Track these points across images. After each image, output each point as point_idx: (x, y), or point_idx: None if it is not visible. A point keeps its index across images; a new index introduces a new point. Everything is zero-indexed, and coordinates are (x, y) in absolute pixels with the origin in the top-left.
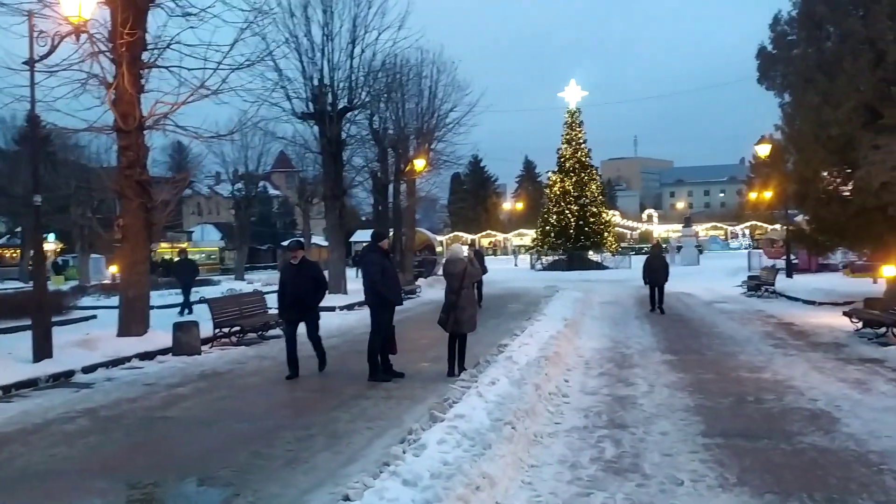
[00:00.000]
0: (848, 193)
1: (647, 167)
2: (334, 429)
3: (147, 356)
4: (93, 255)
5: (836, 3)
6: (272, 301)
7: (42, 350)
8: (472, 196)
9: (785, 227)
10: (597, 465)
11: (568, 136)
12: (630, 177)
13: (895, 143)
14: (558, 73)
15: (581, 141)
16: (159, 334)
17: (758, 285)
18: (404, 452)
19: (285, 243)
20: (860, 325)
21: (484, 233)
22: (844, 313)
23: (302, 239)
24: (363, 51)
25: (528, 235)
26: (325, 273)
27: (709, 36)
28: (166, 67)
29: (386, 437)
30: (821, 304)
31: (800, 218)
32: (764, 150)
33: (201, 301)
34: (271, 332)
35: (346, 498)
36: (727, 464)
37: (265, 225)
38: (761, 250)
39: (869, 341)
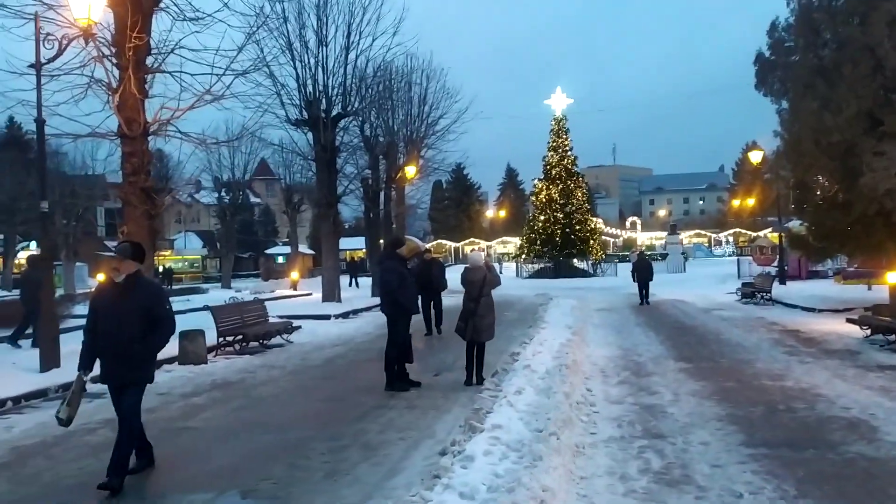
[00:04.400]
0: (848, 200)
1: (625, 175)
2: (366, 440)
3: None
4: (77, 264)
5: (834, 10)
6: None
7: (49, 360)
8: (455, 203)
9: (777, 235)
10: (647, 476)
11: (554, 144)
12: (609, 184)
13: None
14: (541, 82)
15: (567, 148)
16: None
17: (753, 292)
18: (452, 464)
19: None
20: (868, 332)
21: (467, 240)
22: (851, 320)
23: (128, 243)
24: (357, 57)
25: (512, 243)
26: (311, 282)
27: (690, 46)
28: (171, 73)
29: (422, 448)
30: (820, 311)
31: (793, 224)
32: (756, 157)
33: (205, 308)
34: (273, 341)
35: None
36: (781, 475)
37: (247, 233)
38: (751, 257)
39: (881, 348)
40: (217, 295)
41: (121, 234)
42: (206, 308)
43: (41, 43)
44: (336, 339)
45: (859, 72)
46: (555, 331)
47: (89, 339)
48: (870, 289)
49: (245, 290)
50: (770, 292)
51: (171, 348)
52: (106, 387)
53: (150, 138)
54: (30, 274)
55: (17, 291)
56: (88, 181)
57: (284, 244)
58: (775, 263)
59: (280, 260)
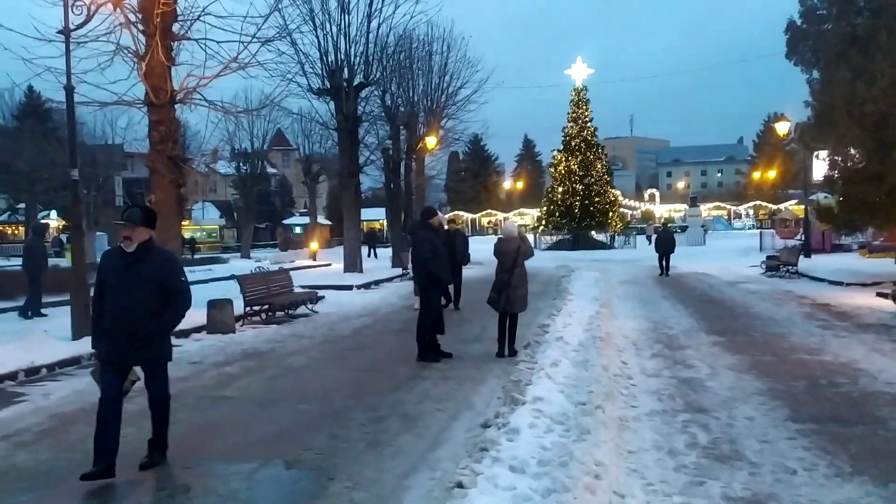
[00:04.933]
0: (880, 172)
1: (642, 146)
2: (404, 410)
3: (182, 334)
4: (98, 233)
5: None
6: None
7: (81, 327)
8: (472, 175)
9: (802, 207)
10: (695, 451)
11: (574, 115)
12: (626, 156)
13: None
14: (560, 52)
15: (587, 119)
16: (191, 312)
17: (778, 265)
18: (498, 437)
19: (288, 221)
20: None
21: (484, 212)
22: (882, 294)
23: (137, 207)
24: (380, 25)
25: (529, 214)
26: (329, 252)
27: (714, 14)
28: (197, 40)
29: (462, 420)
30: (848, 284)
31: (818, 196)
32: (782, 128)
33: (231, 277)
34: (299, 311)
35: (460, 485)
36: (833, 451)
37: (264, 203)
38: (773, 230)
39: None
40: (238, 265)
41: (148, 202)
42: (232, 277)
43: (70, 8)
44: (361, 310)
45: (895, 40)
46: (582, 303)
47: (97, 316)
48: None
49: (265, 259)
50: (796, 265)
51: (200, 317)
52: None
53: (175, 106)
54: (33, 242)
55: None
56: (108, 150)
57: (302, 214)
58: (799, 236)
59: (297, 230)
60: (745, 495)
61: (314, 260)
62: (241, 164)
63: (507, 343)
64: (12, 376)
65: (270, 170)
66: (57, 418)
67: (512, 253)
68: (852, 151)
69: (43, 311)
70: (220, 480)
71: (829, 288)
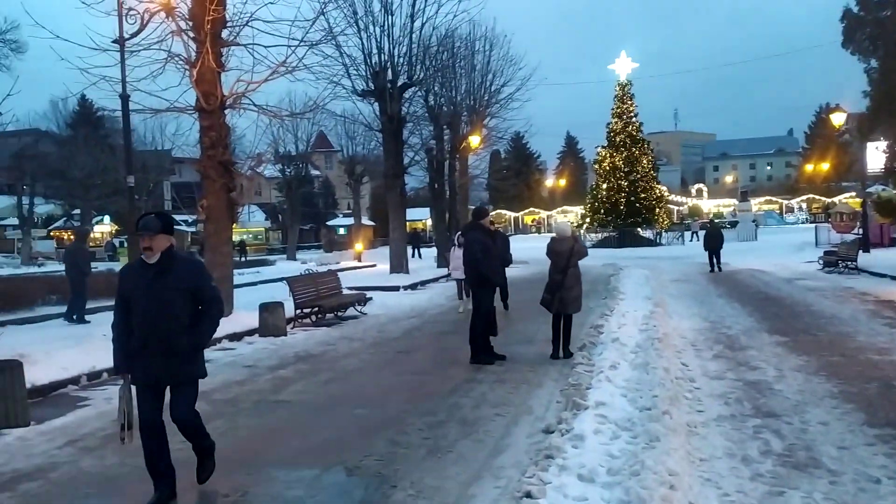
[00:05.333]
0: None
1: (687, 140)
2: (462, 415)
3: (235, 337)
4: None
5: None
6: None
7: None
8: (514, 173)
9: (860, 200)
10: (770, 458)
11: (619, 110)
12: (670, 151)
13: None
14: (602, 47)
15: (632, 114)
16: (243, 315)
17: (836, 261)
18: (563, 444)
19: (331, 221)
20: None
21: (527, 210)
22: None
23: (153, 214)
24: (423, 25)
25: (572, 212)
26: (373, 253)
27: (756, 5)
28: (246, 45)
29: (522, 425)
30: None
31: (877, 189)
32: (838, 119)
33: (280, 280)
34: (348, 313)
35: (528, 495)
36: None
37: (308, 205)
38: (829, 224)
39: None
40: (285, 266)
41: (200, 207)
42: (280, 280)
43: (124, 18)
44: (409, 311)
45: None
46: (634, 302)
47: (121, 334)
48: None
49: (311, 261)
50: (856, 260)
51: (252, 320)
52: None
53: (225, 112)
54: (75, 247)
55: (94, 265)
56: (158, 156)
57: (345, 215)
58: (856, 230)
59: (341, 231)
60: None
61: (359, 261)
62: (285, 167)
63: (562, 345)
64: (75, 380)
65: (313, 172)
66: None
67: (565, 253)
68: None
69: (86, 317)
70: (283, 487)
71: (892, 284)
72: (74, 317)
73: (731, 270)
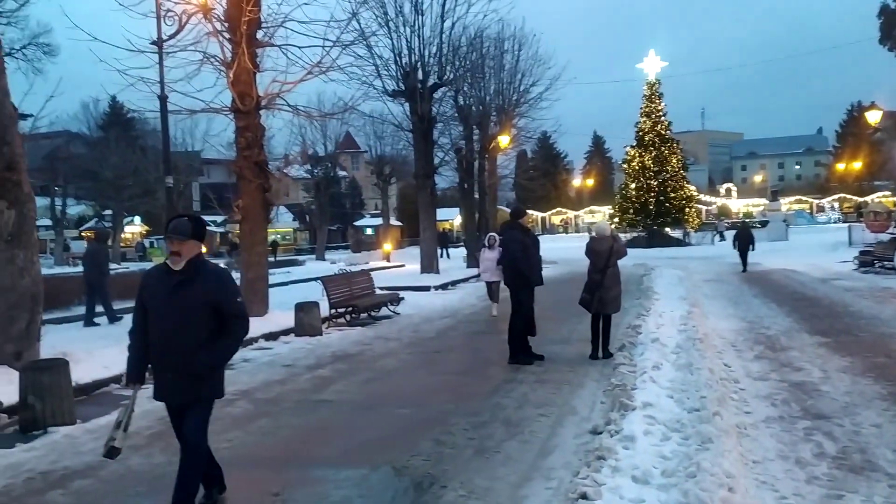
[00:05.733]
0: None
1: (714, 140)
2: (506, 416)
3: (271, 337)
4: None
5: None
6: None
7: None
8: (542, 173)
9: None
10: (825, 461)
11: (647, 109)
12: (697, 150)
13: None
14: (629, 45)
15: (661, 113)
16: (278, 315)
17: (873, 261)
18: (614, 445)
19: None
20: None
21: (554, 210)
22: None
23: (186, 217)
24: (453, 25)
25: (600, 212)
26: (401, 253)
27: (784, 4)
28: (280, 46)
29: (567, 426)
30: None
31: None
32: (874, 117)
33: (315, 279)
34: (381, 312)
35: (584, 496)
36: None
37: (335, 205)
38: (863, 223)
39: None
40: (315, 266)
41: (236, 208)
42: (313, 279)
43: (162, 20)
44: (442, 311)
45: None
46: (670, 302)
47: (137, 342)
48: None
49: (340, 261)
50: (893, 260)
51: (288, 320)
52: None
53: (260, 112)
54: (95, 248)
55: (125, 265)
56: (188, 157)
57: (373, 216)
58: (891, 229)
59: (369, 231)
60: None
61: (388, 261)
62: (313, 168)
63: (602, 345)
64: (117, 379)
65: (340, 172)
66: (165, 421)
67: (605, 252)
68: None
69: (119, 315)
70: (332, 486)
71: None
72: (108, 318)
73: (764, 270)
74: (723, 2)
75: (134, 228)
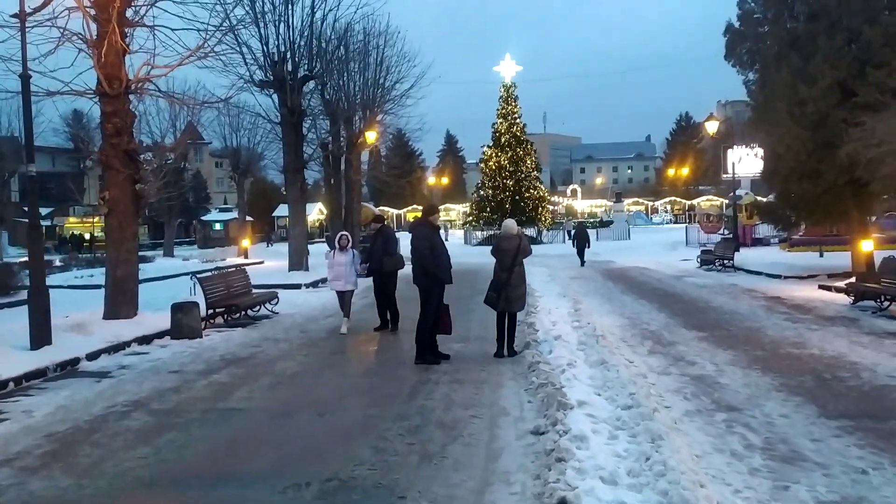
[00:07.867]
0: (818, 170)
1: (556, 143)
2: (437, 418)
3: (145, 340)
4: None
5: None
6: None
7: (41, 336)
8: (396, 170)
9: (725, 202)
10: (756, 453)
11: (504, 111)
12: (540, 153)
13: (873, 120)
14: (484, 47)
15: (517, 116)
16: (149, 316)
17: (714, 259)
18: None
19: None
20: (852, 299)
21: (409, 207)
22: (824, 286)
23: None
24: (325, 16)
25: (455, 210)
26: (284, 246)
27: (624, 16)
28: (151, 27)
29: (504, 427)
30: (786, 277)
31: (741, 192)
32: (712, 127)
33: (174, 277)
34: (260, 312)
35: (563, 501)
36: (887, 448)
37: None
38: (698, 225)
39: (874, 314)
40: (167, 264)
41: (101, 200)
42: (164, 278)
43: None
44: (322, 310)
45: (834, 44)
46: (551, 299)
47: None
48: (822, 255)
49: (192, 258)
50: (732, 259)
51: (162, 321)
52: (101, 365)
53: (130, 97)
54: None
55: None
56: (14, 143)
57: (221, 210)
58: (722, 231)
59: (217, 227)
60: (835, 499)
61: (245, 258)
62: (163, 159)
63: (507, 343)
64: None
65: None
66: (55, 439)
67: (512, 251)
68: (792, 149)
69: None
70: (282, 502)
71: (769, 281)
72: None
73: (619, 268)
74: (571, 13)
75: None
